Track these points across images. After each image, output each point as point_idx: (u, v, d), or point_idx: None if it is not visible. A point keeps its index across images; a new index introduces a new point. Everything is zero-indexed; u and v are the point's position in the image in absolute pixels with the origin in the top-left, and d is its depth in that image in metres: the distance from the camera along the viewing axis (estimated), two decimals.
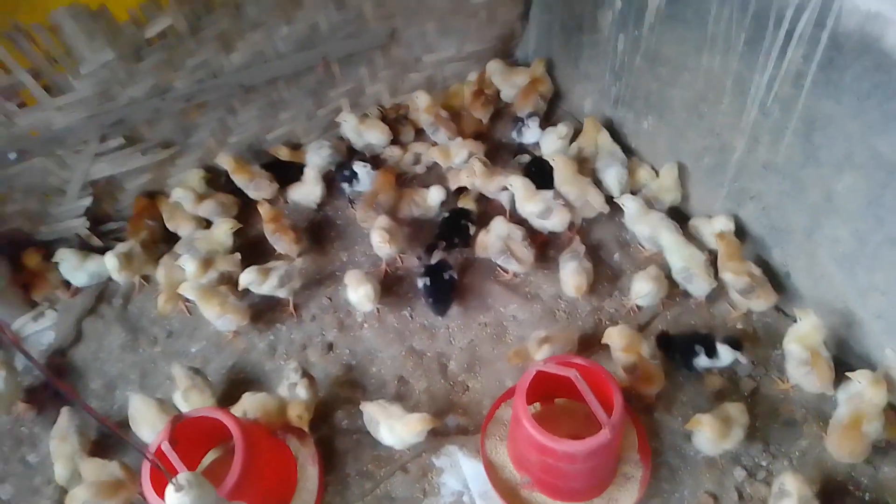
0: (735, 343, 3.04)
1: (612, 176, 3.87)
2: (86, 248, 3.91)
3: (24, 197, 3.70)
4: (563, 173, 3.80)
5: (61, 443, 3.03)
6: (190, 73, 3.70)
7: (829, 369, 2.83)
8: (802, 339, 2.94)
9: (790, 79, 2.80)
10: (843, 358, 3.09)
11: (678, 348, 3.18)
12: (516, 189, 3.76)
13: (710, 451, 2.85)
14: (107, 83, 3.50)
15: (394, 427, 2.90)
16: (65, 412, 3.14)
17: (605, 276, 3.71)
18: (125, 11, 3.32)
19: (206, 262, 3.63)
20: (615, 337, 3.10)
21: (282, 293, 3.61)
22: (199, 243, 3.79)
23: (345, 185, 4.11)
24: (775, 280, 3.32)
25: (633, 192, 3.85)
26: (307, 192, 4.10)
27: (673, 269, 3.46)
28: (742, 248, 3.36)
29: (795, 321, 3.05)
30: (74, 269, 3.75)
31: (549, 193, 3.71)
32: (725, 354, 3.04)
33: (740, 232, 3.46)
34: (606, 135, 4.05)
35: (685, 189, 3.78)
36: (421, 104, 4.41)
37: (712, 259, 3.42)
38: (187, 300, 3.64)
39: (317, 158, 4.24)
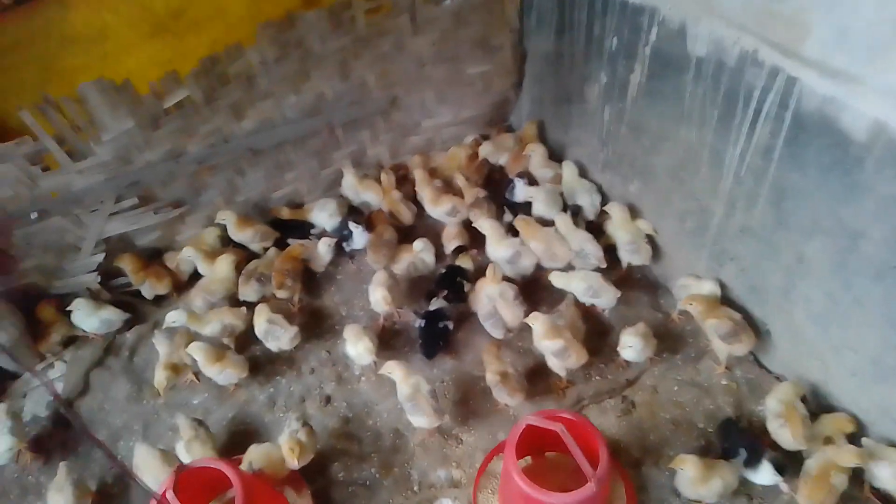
0: (781, 467, 2.88)
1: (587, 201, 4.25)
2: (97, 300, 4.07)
3: (42, 253, 3.90)
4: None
5: (56, 494, 3.12)
6: (203, 138, 3.95)
7: (802, 425, 2.93)
8: (778, 395, 3.07)
9: (760, 152, 3.01)
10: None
11: (730, 439, 3.09)
12: (485, 231, 4.03)
13: (689, 493, 2.95)
14: (125, 148, 3.74)
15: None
16: (62, 467, 3.24)
17: (594, 331, 3.85)
18: (146, 84, 3.59)
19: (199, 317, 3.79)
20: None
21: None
22: (205, 285, 3.99)
23: (343, 244, 4.32)
24: (757, 337, 3.46)
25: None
26: (319, 257, 4.25)
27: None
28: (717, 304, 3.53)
29: (777, 378, 3.19)
30: (87, 316, 3.90)
31: (517, 239, 4.03)
32: (766, 474, 2.89)
33: (723, 291, 3.61)
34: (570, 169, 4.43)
35: (670, 250, 3.97)
36: (417, 177, 4.60)
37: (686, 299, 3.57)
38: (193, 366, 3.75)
39: (323, 215, 4.46)
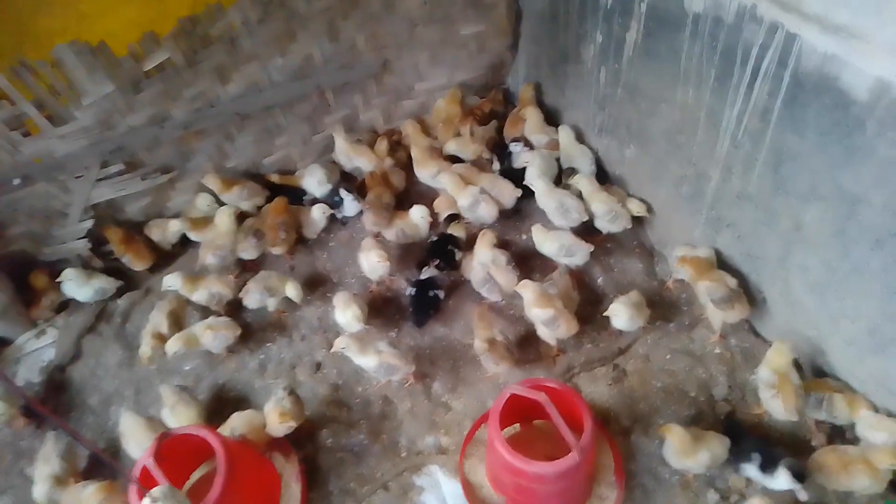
0: (800, 474, 2.71)
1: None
2: (89, 269, 4.07)
3: (28, 220, 3.87)
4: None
5: (44, 465, 3.13)
6: (187, 102, 3.86)
7: (794, 395, 2.87)
8: (771, 364, 3.01)
9: (758, 113, 2.89)
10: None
11: (738, 441, 2.93)
12: (445, 184, 4.09)
13: (675, 464, 2.93)
14: (107, 113, 3.67)
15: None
16: (50, 436, 3.24)
17: (587, 299, 3.80)
18: (125, 47, 3.49)
19: (195, 280, 3.77)
20: (527, 292, 3.39)
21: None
22: (211, 242, 3.96)
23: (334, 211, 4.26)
24: (752, 305, 3.39)
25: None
26: (313, 223, 4.22)
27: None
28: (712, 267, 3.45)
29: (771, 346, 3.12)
30: (79, 286, 3.89)
31: (475, 188, 4.04)
32: (783, 479, 2.72)
33: (719, 258, 3.54)
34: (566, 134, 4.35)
35: (666, 217, 3.87)
36: (410, 137, 4.54)
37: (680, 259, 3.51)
38: None
39: (313, 181, 4.39)
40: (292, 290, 3.75)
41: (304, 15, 3.87)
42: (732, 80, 2.94)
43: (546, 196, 3.92)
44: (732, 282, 3.33)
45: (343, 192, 4.23)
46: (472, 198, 4.02)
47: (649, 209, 3.93)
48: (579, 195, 3.96)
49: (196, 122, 3.95)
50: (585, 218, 3.87)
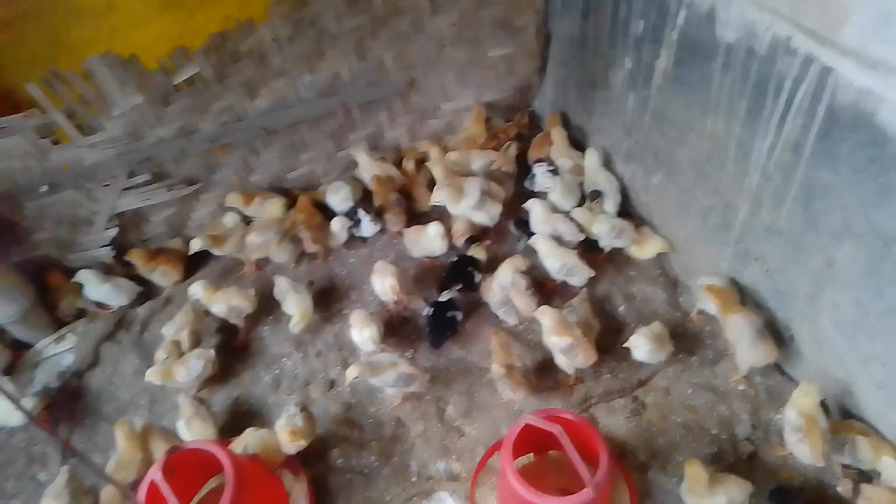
0: None
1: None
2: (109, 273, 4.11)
3: (55, 226, 3.94)
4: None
5: (54, 501, 3.02)
6: (215, 116, 3.92)
7: (822, 440, 2.77)
8: (798, 406, 2.91)
9: (790, 147, 2.82)
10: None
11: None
12: (443, 199, 4.08)
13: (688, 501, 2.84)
14: (136, 124, 3.74)
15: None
16: (64, 471, 3.13)
17: (608, 328, 3.73)
18: (155, 60, 3.55)
19: (216, 290, 3.80)
20: (546, 319, 3.34)
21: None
22: (259, 225, 4.16)
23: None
24: (779, 343, 3.29)
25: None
26: (332, 236, 4.25)
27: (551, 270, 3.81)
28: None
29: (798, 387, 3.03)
30: (95, 287, 3.93)
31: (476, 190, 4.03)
32: None
33: (745, 293, 3.46)
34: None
35: (692, 247, 3.80)
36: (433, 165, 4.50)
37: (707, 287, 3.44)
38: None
39: (336, 198, 4.40)
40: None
41: (334, 33, 3.91)
42: (764, 112, 2.88)
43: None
44: (759, 320, 3.24)
45: (361, 213, 4.24)
46: (477, 192, 4.02)
47: (672, 246, 3.91)
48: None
49: (223, 135, 4.00)
50: (581, 237, 3.96)
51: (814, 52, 2.53)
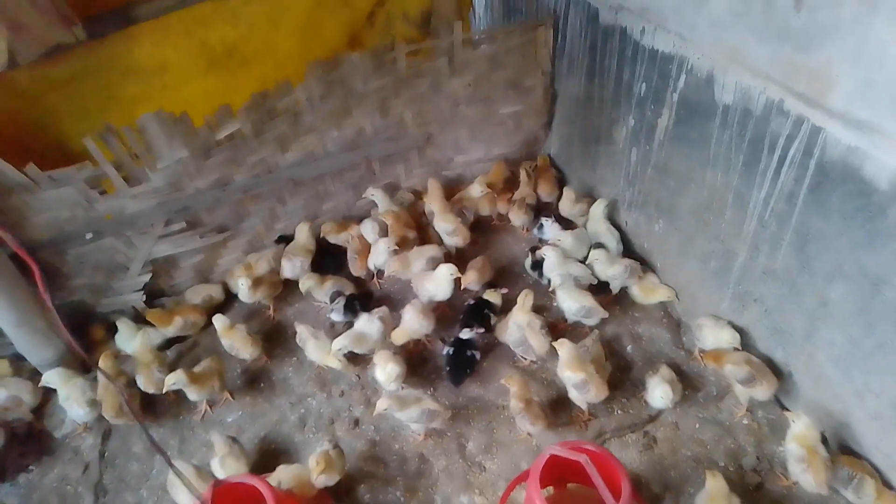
0: None
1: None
2: (140, 320, 4.26)
3: (93, 272, 4.12)
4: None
5: None
6: (249, 168, 4.18)
7: (824, 468, 2.96)
8: (799, 438, 3.10)
9: (784, 197, 3.09)
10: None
11: None
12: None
13: None
14: (178, 176, 3.98)
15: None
16: None
17: (617, 366, 3.93)
18: (199, 115, 3.83)
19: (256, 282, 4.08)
20: (563, 351, 3.56)
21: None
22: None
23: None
24: (780, 379, 3.49)
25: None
26: (376, 255, 4.44)
27: (568, 312, 4.03)
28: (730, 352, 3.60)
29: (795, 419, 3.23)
30: (128, 339, 4.07)
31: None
32: None
33: (744, 332, 3.68)
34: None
35: (693, 289, 4.05)
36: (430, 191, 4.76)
37: (703, 355, 3.69)
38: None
39: (368, 229, 4.60)
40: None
41: (361, 92, 4.23)
42: (760, 166, 3.17)
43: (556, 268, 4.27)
44: (755, 360, 3.47)
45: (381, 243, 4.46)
46: (452, 224, 4.45)
47: (677, 295, 4.16)
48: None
49: (255, 186, 4.26)
50: (594, 282, 4.22)
51: (805, 114, 2.83)
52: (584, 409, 3.63)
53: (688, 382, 3.78)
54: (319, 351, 3.89)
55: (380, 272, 4.54)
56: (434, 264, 4.22)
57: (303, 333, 3.97)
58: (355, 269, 4.49)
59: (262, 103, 3.94)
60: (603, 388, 3.52)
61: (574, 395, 3.59)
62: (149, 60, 3.74)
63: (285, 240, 4.64)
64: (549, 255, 4.24)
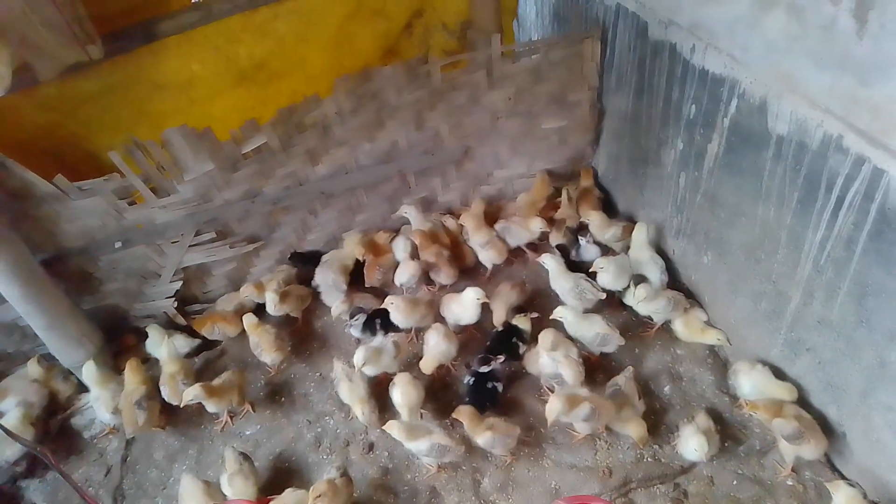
0: None
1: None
2: (172, 326, 4.34)
3: (125, 278, 4.22)
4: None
5: None
6: (279, 181, 4.16)
7: None
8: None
9: (842, 242, 2.77)
10: None
11: None
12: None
13: None
14: (205, 188, 4.00)
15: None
16: None
17: (651, 408, 3.66)
18: (226, 128, 3.82)
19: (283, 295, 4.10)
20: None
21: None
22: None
23: None
24: (831, 438, 3.17)
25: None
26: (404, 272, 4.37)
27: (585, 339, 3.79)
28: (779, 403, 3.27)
29: (850, 483, 2.90)
30: (157, 345, 4.13)
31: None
32: None
33: (797, 384, 3.35)
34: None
35: (743, 330, 3.72)
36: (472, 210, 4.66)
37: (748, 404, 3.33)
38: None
39: (399, 249, 4.53)
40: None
41: (394, 105, 4.11)
42: (816, 206, 2.85)
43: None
44: (806, 416, 3.14)
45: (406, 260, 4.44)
46: (487, 237, 4.38)
47: (728, 339, 3.83)
48: None
49: (285, 198, 4.23)
50: (603, 296, 3.99)
51: (866, 153, 2.50)
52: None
53: (729, 433, 3.48)
54: (351, 395, 3.73)
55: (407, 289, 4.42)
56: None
57: (338, 373, 3.83)
58: (367, 278, 4.42)
59: (290, 118, 3.89)
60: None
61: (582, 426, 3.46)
62: (175, 75, 3.78)
63: (300, 258, 4.59)
64: (548, 265, 4.08)
